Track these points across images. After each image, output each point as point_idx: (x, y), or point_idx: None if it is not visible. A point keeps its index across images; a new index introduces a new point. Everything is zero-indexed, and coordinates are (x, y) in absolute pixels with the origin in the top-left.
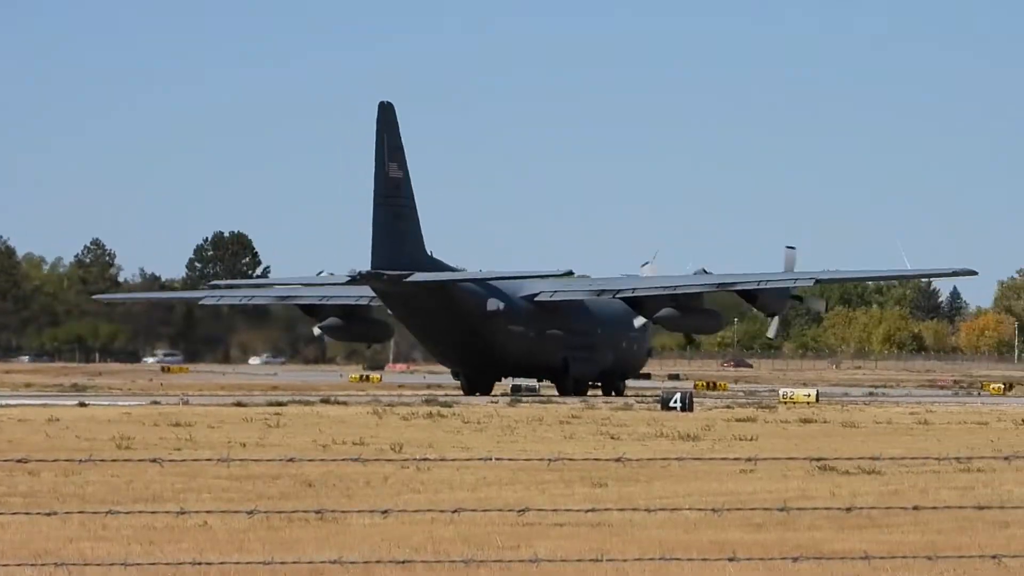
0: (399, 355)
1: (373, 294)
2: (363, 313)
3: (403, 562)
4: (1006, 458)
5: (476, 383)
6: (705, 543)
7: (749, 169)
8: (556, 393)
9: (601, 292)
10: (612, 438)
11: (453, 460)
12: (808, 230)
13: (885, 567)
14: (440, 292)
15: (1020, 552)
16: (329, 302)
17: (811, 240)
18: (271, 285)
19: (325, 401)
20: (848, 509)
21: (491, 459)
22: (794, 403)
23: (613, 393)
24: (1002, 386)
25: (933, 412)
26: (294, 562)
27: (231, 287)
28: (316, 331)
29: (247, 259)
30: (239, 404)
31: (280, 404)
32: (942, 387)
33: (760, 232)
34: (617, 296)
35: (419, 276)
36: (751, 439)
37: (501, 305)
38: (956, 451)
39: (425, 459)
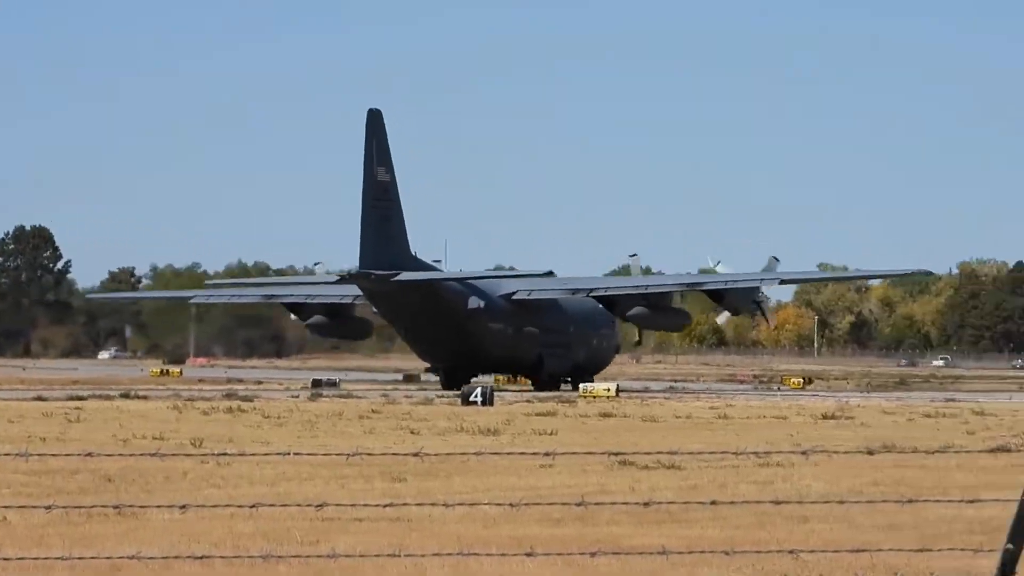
0: (200, 349)
1: (357, 293)
2: (347, 311)
3: (202, 557)
4: (804, 452)
5: (454, 379)
6: (504, 538)
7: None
8: (532, 387)
9: (576, 291)
10: (412, 433)
11: (252, 455)
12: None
13: (683, 562)
14: (425, 290)
15: (818, 547)
16: (314, 300)
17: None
18: (264, 284)
19: (125, 396)
20: (647, 504)
21: (290, 454)
22: (594, 397)
23: (554, 388)
24: (801, 380)
25: (733, 406)
26: (92, 557)
27: (224, 286)
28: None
29: (48, 253)
30: (39, 398)
31: (80, 398)
32: (742, 381)
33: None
34: (591, 295)
35: (406, 275)
36: (550, 433)
37: (481, 303)
38: (755, 446)
39: (224, 454)
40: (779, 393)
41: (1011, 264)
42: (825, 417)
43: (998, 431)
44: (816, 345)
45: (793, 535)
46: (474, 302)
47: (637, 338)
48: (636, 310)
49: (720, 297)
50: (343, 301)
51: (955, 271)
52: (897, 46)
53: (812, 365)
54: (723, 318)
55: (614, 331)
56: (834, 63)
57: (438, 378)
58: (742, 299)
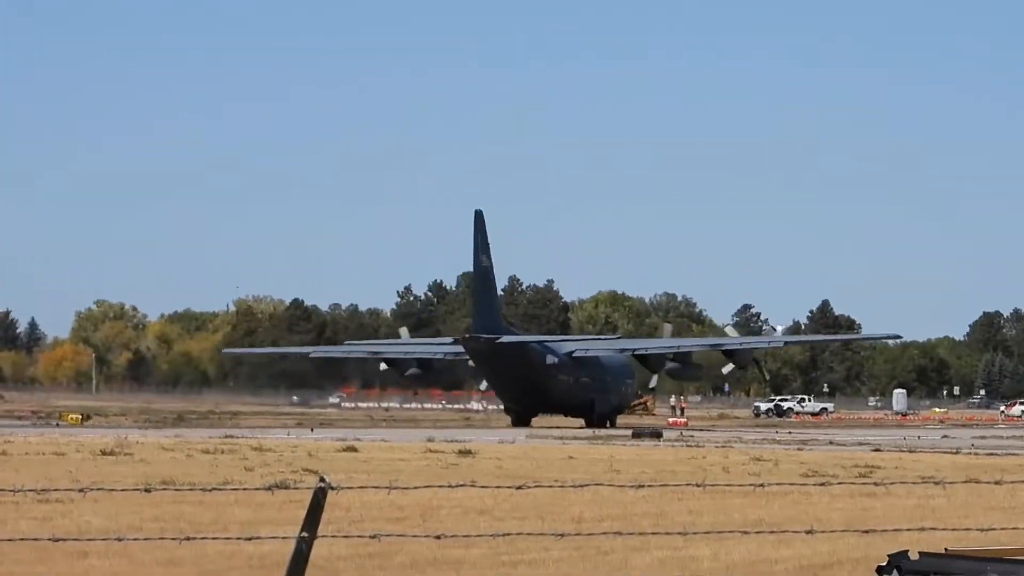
0: None
1: (445, 351)
2: (435, 365)
3: None
4: (81, 490)
5: (522, 417)
6: None
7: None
8: (584, 426)
9: (623, 350)
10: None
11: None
12: None
13: None
14: (517, 350)
15: None
16: (408, 356)
17: None
18: (386, 343)
19: None
20: None
21: None
22: None
23: (608, 424)
24: (80, 416)
25: (11, 442)
26: None
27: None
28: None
29: None
30: None
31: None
32: (20, 417)
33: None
34: (634, 353)
35: (506, 338)
36: None
37: (556, 360)
38: (34, 482)
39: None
40: (57, 429)
41: (287, 301)
42: (104, 453)
43: (276, 467)
44: (94, 381)
45: (74, 569)
46: (551, 359)
47: None
48: (669, 366)
49: (732, 354)
50: (434, 357)
51: (231, 307)
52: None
53: (91, 401)
54: (727, 368)
55: (633, 380)
56: None
57: (509, 417)
58: (747, 357)
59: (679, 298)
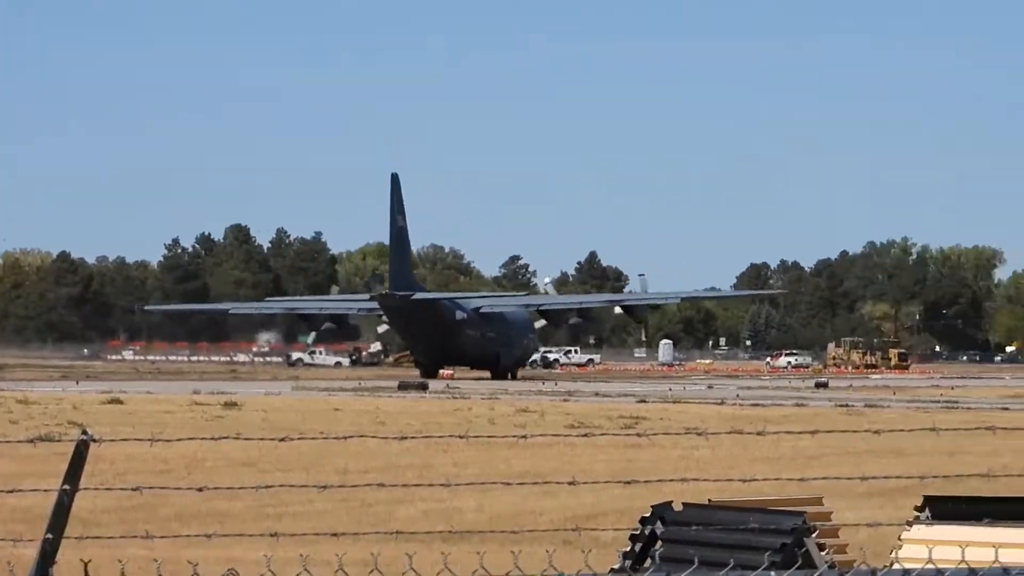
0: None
1: (359, 307)
2: (348, 321)
3: None
4: None
5: (430, 369)
6: None
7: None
8: (490, 377)
9: (527, 306)
10: None
11: None
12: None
13: None
14: (428, 306)
15: None
16: (323, 312)
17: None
18: (304, 300)
19: None
20: None
21: None
22: None
23: (510, 376)
24: None
25: None
26: None
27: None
28: (311, 336)
29: None
30: None
31: None
32: None
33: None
34: (539, 309)
35: (419, 295)
36: None
37: (464, 315)
38: None
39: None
40: None
41: (54, 254)
42: None
43: (41, 420)
44: None
45: None
46: (460, 314)
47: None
48: (572, 320)
49: (630, 310)
50: (347, 312)
51: None
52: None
53: None
54: (617, 310)
55: (535, 335)
56: None
57: (418, 370)
58: (643, 311)
59: (447, 249)
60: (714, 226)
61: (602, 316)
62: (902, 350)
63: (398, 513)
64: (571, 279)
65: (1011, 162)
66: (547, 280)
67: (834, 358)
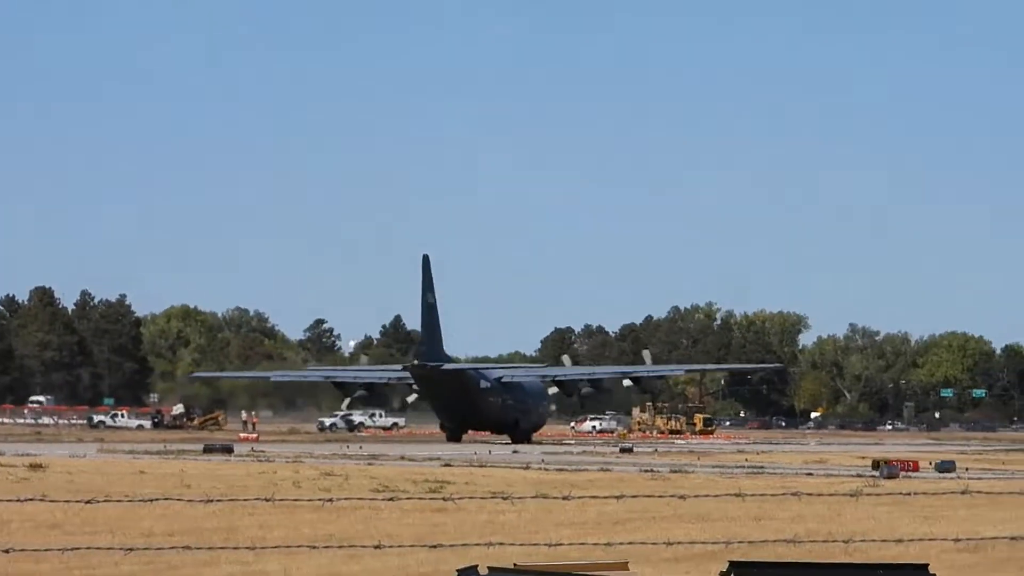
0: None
1: (390, 376)
2: (380, 389)
3: None
4: None
5: (455, 433)
6: None
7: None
8: (510, 441)
9: (544, 377)
10: None
11: None
12: None
13: None
14: (456, 376)
15: None
16: (357, 380)
17: None
18: (341, 369)
19: None
20: None
21: None
22: None
23: (527, 440)
24: None
25: None
26: None
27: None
28: (345, 402)
29: None
30: None
31: None
32: None
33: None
34: (554, 380)
35: (448, 366)
36: None
37: (488, 384)
38: None
39: None
40: None
41: None
42: None
43: None
44: None
45: None
46: (484, 383)
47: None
48: (584, 390)
49: (638, 380)
50: (379, 381)
51: None
52: None
53: None
54: (627, 382)
55: (550, 402)
56: None
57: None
58: (654, 383)
59: (251, 312)
60: (518, 289)
61: (613, 387)
62: (707, 415)
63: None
64: (376, 343)
65: (814, 228)
66: (565, 356)
67: (639, 423)
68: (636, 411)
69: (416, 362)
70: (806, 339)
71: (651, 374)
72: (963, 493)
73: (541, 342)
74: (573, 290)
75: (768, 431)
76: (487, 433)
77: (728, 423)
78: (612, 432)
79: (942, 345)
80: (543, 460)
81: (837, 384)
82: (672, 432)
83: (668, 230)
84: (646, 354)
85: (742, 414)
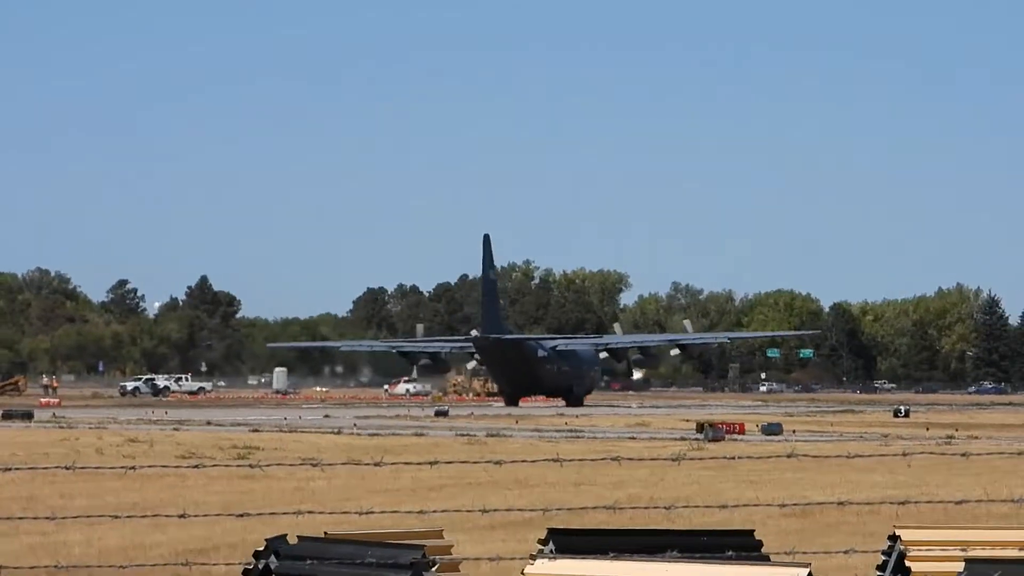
0: None
1: (452, 346)
2: (440, 357)
3: None
4: None
5: (513, 399)
6: None
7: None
8: (564, 404)
9: (596, 345)
10: None
11: None
12: None
13: None
14: (516, 345)
15: None
16: (420, 350)
17: None
18: (415, 340)
19: None
20: None
21: None
22: None
23: (579, 405)
24: None
25: None
26: None
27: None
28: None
29: None
30: None
31: None
32: None
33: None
34: (606, 347)
35: (509, 336)
36: None
37: (545, 353)
38: None
39: None
40: None
41: None
42: None
43: None
44: None
45: None
46: (541, 352)
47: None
48: (634, 356)
49: (685, 347)
50: (441, 351)
51: None
52: None
53: None
54: (674, 352)
55: (599, 369)
56: None
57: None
58: (696, 350)
59: (52, 273)
60: (329, 250)
61: (660, 354)
62: None
63: (1, 547)
64: (182, 304)
65: (635, 187)
66: (616, 324)
67: (455, 385)
68: (452, 373)
69: (478, 334)
70: (627, 298)
71: (696, 341)
72: (789, 456)
73: (353, 303)
74: (385, 249)
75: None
76: (543, 398)
77: None
78: (427, 395)
79: (767, 303)
80: (355, 424)
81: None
82: (490, 395)
83: (486, 188)
84: (687, 323)
85: None
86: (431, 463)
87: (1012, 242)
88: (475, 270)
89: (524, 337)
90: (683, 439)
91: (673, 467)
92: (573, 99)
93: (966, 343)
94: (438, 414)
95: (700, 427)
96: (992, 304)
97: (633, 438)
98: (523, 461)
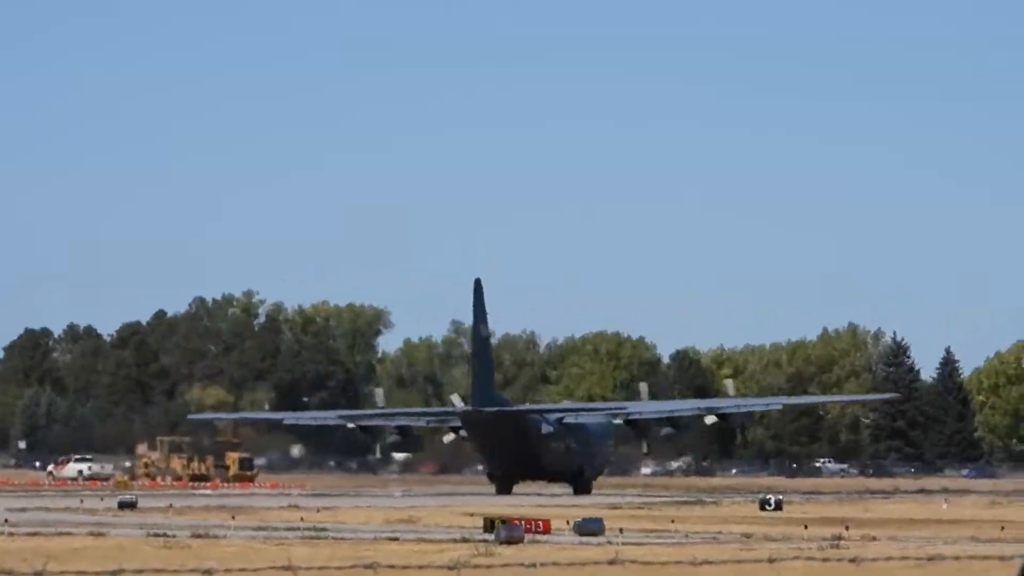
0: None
1: (421, 421)
2: (409, 432)
3: None
4: None
5: (506, 483)
6: None
7: None
8: (572, 492)
9: (613, 415)
10: None
11: None
12: None
13: None
14: (515, 420)
15: None
16: (385, 423)
17: None
18: (386, 415)
19: None
20: None
21: None
22: None
23: (587, 492)
24: None
25: None
26: None
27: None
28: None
29: None
30: None
31: None
32: None
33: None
34: (628, 419)
35: (507, 409)
36: None
37: (552, 429)
38: None
39: None
40: None
41: None
42: None
43: None
44: None
45: None
46: (546, 428)
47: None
48: (665, 430)
49: (726, 418)
50: (409, 424)
51: None
52: None
53: None
54: (710, 419)
55: (613, 443)
56: None
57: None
58: (739, 419)
59: None
60: None
61: (691, 424)
62: (245, 454)
63: None
64: None
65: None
66: (643, 384)
67: (147, 465)
68: (143, 448)
69: (470, 407)
70: (388, 342)
71: (742, 409)
72: (612, 564)
73: (5, 349)
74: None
75: (336, 476)
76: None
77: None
78: (108, 478)
79: (584, 351)
80: (6, 521)
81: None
82: (195, 478)
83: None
84: (729, 384)
85: (295, 452)
86: (112, 574)
87: (920, 271)
88: (167, 303)
89: (524, 408)
90: (465, 540)
91: None
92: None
93: (861, 407)
94: (123, 506)
95: (489, 524)
96: (897, 351)
97: (396, 539)
98: (241, 571)
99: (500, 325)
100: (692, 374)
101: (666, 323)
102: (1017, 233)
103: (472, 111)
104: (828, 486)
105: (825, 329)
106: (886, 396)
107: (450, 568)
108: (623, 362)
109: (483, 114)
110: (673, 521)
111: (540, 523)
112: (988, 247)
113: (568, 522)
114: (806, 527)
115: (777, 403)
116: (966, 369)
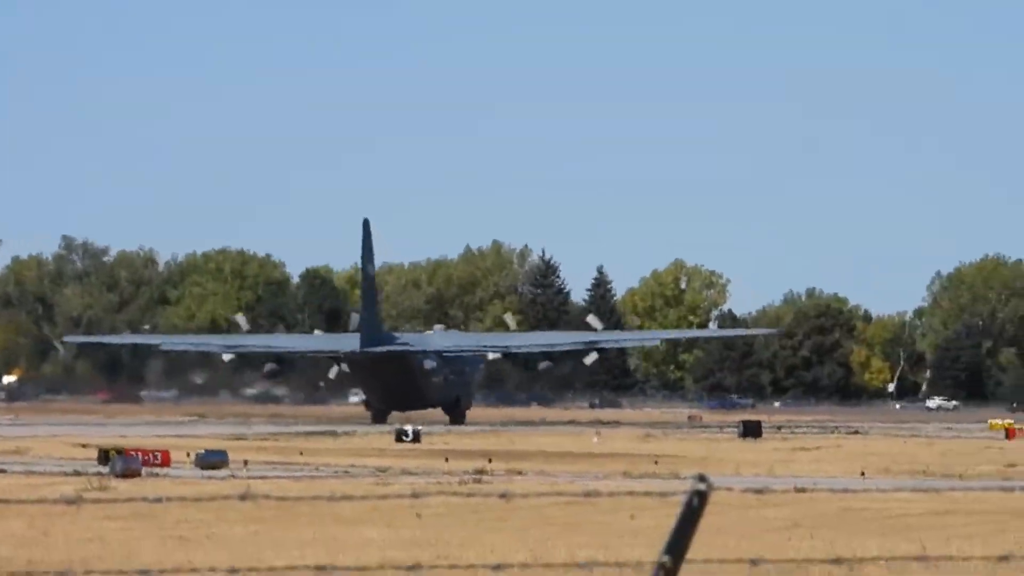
0: None
1: (303, 349)
2: (288, 360)
3: None
4: None
5: (381, 415)
6: None
7: None
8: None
9: (492, 347)
10: None
11: None
12: None
13: None
14: (399, 359)
15: None
16: (265, 351)
17: None
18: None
19: None
20: None
21: None
22: None
23: (461, 421)
24: None
25: None
26: None
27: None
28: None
29: None
30: None
31: None
32: None
33: None
34: (505, 352)
35: (391, 349)
36: None
37: (434, 364)
38: None
39: None
40: None
41: None
42: None
43: None
44: None
45: None
46: (428, 364)
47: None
48: (544, 364)
49: (604, 349)
50: (291, 353)
51: None
52: None
53: None
54: (590, 359)
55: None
56: None
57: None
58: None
59: None
60: None
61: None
62: None
63: None
64: None
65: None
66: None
67: None
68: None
69: (356, 349)
70: None
71: (621, 344)
72: (242, 499)
73: None
74: None
75: None
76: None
77: None
78: None
79: (207, 269)
80: None
81: (44, 330)
82: None
83: None
84: (593, 319)
85: None
86: None
87: (569, 186)
88: None
89: (408, 349)
90: (77, 473)
91: (64, 514)
92: None
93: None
94: None
95: (104, 456)
96: (546, 271)
97: (3, 471)
98: None
99: (115, 241)
100: (323, 295)
101: (295, 241)
102: (673, 147)
103: None
104: (477, 418)
105: (468, 247)
106: (771, 331)
107: (68, 503)
108: (248, 281)
109: None
110: (302, 453)
111: (159, 454)
112: (642, 161)
113: (189, 454)
114: (447, 460)
115: (654, 338)
116: (619, 290)
